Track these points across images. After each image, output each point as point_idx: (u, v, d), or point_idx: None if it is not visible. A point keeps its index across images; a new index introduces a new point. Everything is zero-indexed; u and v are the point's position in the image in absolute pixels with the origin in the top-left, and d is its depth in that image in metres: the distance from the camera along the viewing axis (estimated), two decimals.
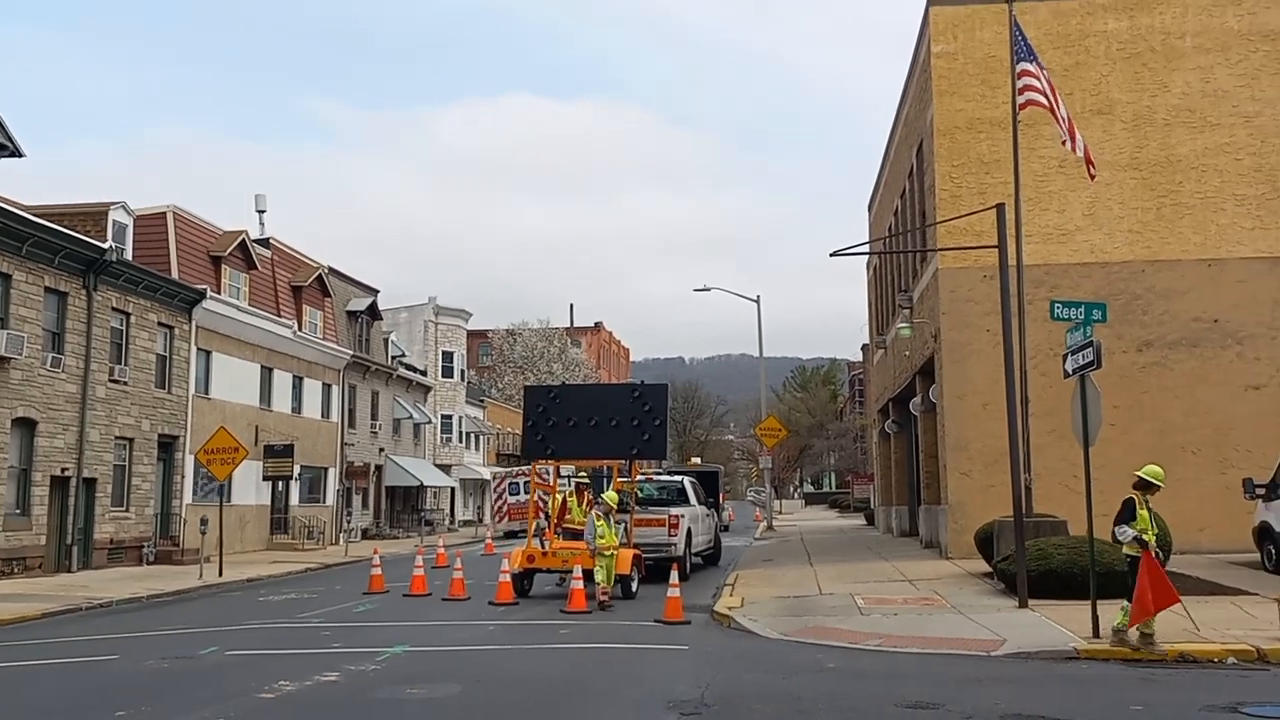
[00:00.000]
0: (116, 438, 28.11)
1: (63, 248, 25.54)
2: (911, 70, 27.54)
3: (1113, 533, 11.74)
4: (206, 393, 32.61)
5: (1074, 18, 23.79)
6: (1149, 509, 11.63)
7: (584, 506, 20.04)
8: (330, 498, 41.22)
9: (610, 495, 18.43)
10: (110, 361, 27.81)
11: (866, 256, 39.44)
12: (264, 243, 38.44)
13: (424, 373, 53.59)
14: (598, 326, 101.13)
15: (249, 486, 34.08)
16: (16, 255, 24.31)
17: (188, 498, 31.19)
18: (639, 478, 22.78)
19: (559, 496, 20.75)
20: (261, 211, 42.47)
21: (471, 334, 65.44)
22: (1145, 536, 11.35)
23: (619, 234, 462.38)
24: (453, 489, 56.84)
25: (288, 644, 13.59)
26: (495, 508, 46.20)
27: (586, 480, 23.01)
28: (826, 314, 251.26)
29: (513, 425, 62.36)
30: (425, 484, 50.43)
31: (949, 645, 12.18)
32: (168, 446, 30.70)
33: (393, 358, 49.89)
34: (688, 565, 21.82)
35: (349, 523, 41.49)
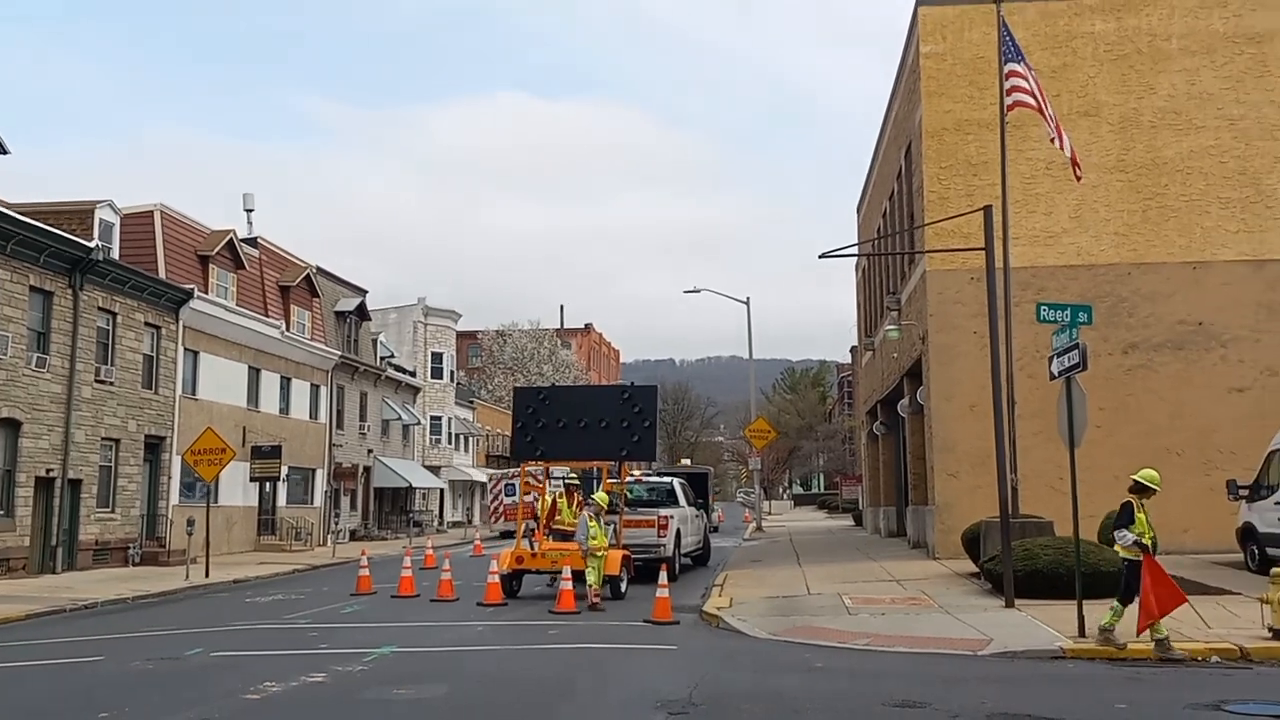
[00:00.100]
0: (102, 438, 27.96)
1: (48, 246, 25.40)
2: (900, 71, 27.63)
3: (1111, 536, 11.78)
4: (194, 393, 32.47)
5: (1062, 19, 23.92)
6: (1145, 512, 11.67)
7: (574, 508, 20.06)
8: (318, 499, 41.09)
9: (600, 496, 18.45)
10: (96, 361, 27.66)
11: (855, 259, 39.56)
12: (252, 242, 38.29)
13: (413, 374, 53.48)
14: (588, 328, 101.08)
15: (236, 487, 33.95)
16: (1, 254, 24.17)
17: (174, 499, 31.03)
18: (628, 479, 22.80)
19: (548, 498, 20.75)
20: (250, 211, 42.32)
21: (461, 335, 65.32)
22: (1144, 540, 11.38)
23: (610, 235, 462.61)
24: (442, 490, 56.73)
25: (274, 645, 13.55)
26: (491, 508, 46.21)
27: (576, 481, 23.02)
28: (816, 316, 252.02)
29: (502, 427, 62.32)
30: (414, 485, 50.33)
31: (936, 645, 12.24)
32: (154, 447, 30.55)
33: (381, 358, 49.78)
34: (677, 566, 21.85)
35: (337, 524, 41.37)
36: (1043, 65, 22.35)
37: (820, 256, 19.42)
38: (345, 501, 44.65)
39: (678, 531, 22.19)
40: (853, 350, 58.35)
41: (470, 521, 59.74)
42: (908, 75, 26.32)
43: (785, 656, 11.96)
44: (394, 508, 50.45)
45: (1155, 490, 11.71)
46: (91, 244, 27.01)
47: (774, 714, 8.95)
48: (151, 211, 32.15)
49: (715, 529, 38.79)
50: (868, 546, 29.20)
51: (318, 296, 41.96)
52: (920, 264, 24.43)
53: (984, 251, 16.67)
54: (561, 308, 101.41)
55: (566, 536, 19.26)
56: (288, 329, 38.43)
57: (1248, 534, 18.25)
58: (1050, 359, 13.65)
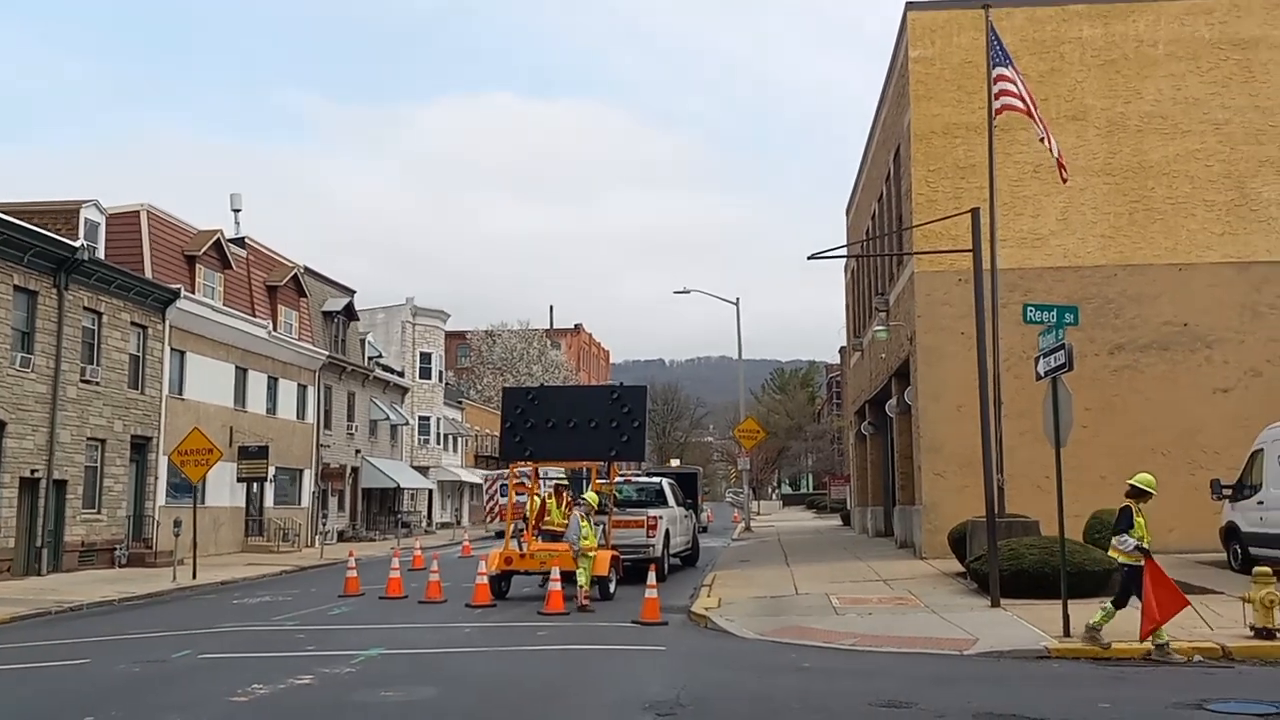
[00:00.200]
0: (88, 439, 27.82)
1: (33, 246, 25.26)
2: (889, 75, 27.73)
3: (1096, 537, 11.82)
4: (180, 393, 32.34)
5: (1050, 24, 24.04)
6: (1144, 516, 11.71)
7: (563, 508, 20.05)
8: (306, 499, 40.97)
9: (591, 495, 18.48)
10: (82, 361, 27.53)
11: (844, 260, 39.66)
12: (239, 242, 38.16)
13: (401, 374, 53.37)
14: (577, 328, 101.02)
15: (223, 488, 33.84)
16: None
17: (161, 499, 30.90)
18: (618, 479, 22.82)
19: (537, 498, 20.74)
20: (237, 210, 42.21)
21: (450, 335, 65.21)
22: (1144, 544, 11.41)
23: (599, 235, 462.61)
24: (430, 491, 56.62)
25: (261, 647, 13.51)
26: (487, 508, 46.24)
27: (565, 481, 23.03)
28: (805, 317, 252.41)
29: (491, 427, 62.21)
30: (402, 486, 50.22)
31: (923, 644, 12.30)
32: (141, 448, 30.41)
33: (369, 358, 49.66)
34: (666, 566, 21.88)
35: (324, 525, 41.27)
36: (1031, 70, 22.47)
37: (809, 258, 19.47)
38: (333, 502, 44.52)
39: (666, 532, 22.22)
40: (841, 351, 58.49)
41: (459, 522, 59.63)
42: (897, 79, 26.42)
43: (773, 657, 12.00)
44: (382, 508, 50.32)
45: (1152, 494, 11.74)
46: (77, 244, 26.88)
47: (761, 714, 8.98)
48: (138, 211, 32.02)
49: (704, 529, 38.85)
50: (855, 546, 29.29)
51: (305, 296, 41.84)
52: (908, 265, 24.52)
53: (971, 253, 16.74)
54: (551, 308, 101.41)
55: (556, 537, 19.26)
56: (275, 329, 38.31)
57: (1231, 533, 18.38)
58: (1036, 360, 13.73)
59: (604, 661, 12.11)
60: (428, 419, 55.56)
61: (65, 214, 28.73)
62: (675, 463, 74.46)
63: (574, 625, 15.03)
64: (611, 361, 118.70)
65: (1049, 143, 18.15)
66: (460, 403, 63.34)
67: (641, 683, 10.43)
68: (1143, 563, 11.26)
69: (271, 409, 38.17)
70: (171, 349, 31.82)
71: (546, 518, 20.00)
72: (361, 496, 47.94)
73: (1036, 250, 23.31)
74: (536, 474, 22.24)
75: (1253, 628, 11.73)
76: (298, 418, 40.44)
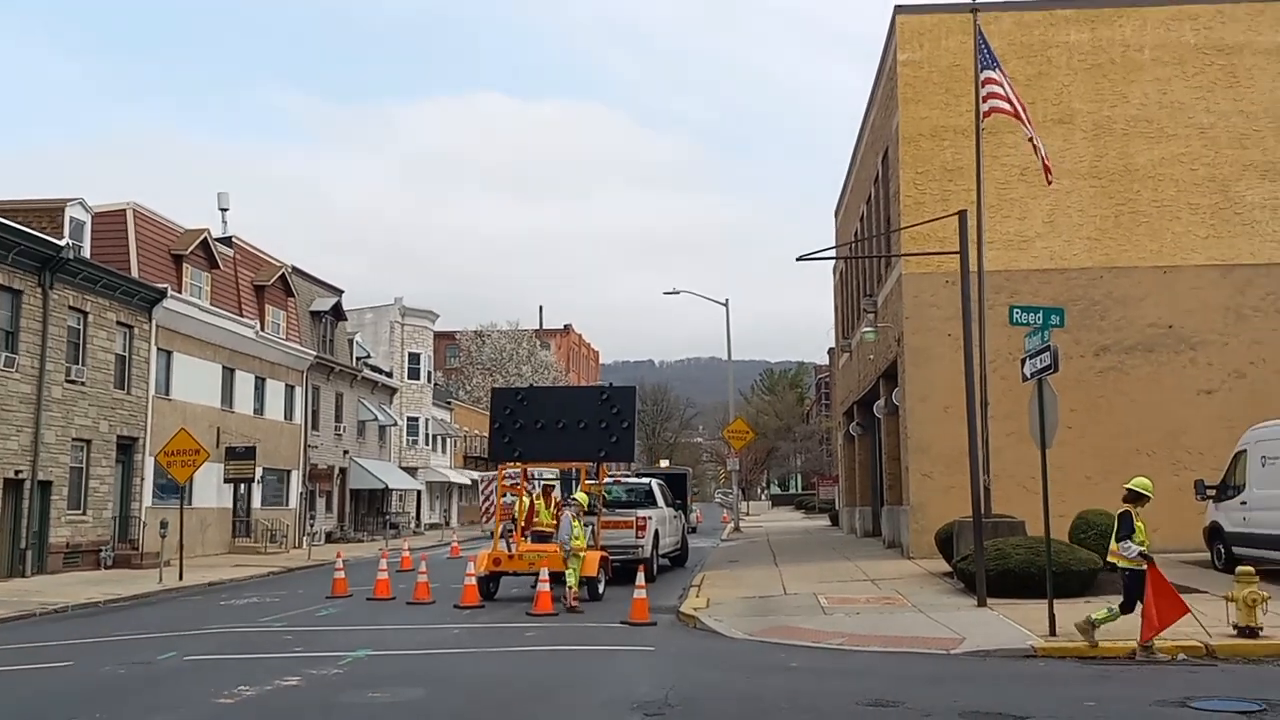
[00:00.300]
0: (73, 439, 27.67)
1: (16, 244, 25.10)
2: (878, 77, 27.84)
3: (1111, 547, 11.71)
4: (167, 393, 32.20)
5: (1037, 28, 24.18)
6: (1142, 520, 11.72)
7: (551, 509, 20.05)
8: (293, 500, 40.84)
9: (581, 495, 18.49)
10: (67, 361, 27.38)
11: (833, 261, 39.78)
12: (226, 241, 38.02)
13: (389, 374, 53.24)
14: (567, 329, 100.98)
15: (210, 489, 33.70)
16: None
17: (147, 500, 30.76)
18: (607, 480, 22.83)
19: (526, 499, 20.74)
20: (224, 209, 42.03)
21: (439, 335, 65.08)
22: (1145, 550, 11.40)
23: (589, 236, 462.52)
24: (419, 492, 56.50)
25: (248, 649, 13.46)
26: (483, 508, 46.23)
27: (553, 482, 23.02)
28: (794, 318, 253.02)
29: (480, 428, 62.13)
30: (390, 487, 50.10)
31: (910, 644, 12.35)
32: (127, 448, 30.26)
33: (358, 359, 49.52)
34: (655, 567, 21.91)
35: (312, 526, 41.14)
36: (1018, 73, 22.59)
37: (798, 259, 19.52)
38: (321, 503, 44.38)
39: (655, 532, 22.24)
40: (830, 352, 58.64)
41: (448, 523, 59.52)
42: (885, 82, 26.52)
43: (761, 657, 12.03)
44: (370, 509, 50.19)
45: (1149, 498, 11.75)
46: (62, 242, 26.73)
47: (749, 714, 9.02)
48: (124, 210, 31.87)
49: (693, 530, 38.91)
50: (843, 546, 29.37)
51: (293, 296, 41.71)
52: (896, 267, 24.62)
53: (959, 255, 16.82)
54: (540, 308, 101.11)
55: (544, 538, 19.26)
56: (262, 329, 38.18)
57: (1214, 533, 18.52)
58: (1023, 361, 13.81)
59: (592, 662, 12.12)
60: (416, 420, 55.45)
61: (50, 212, 28.57)
62: (664, 463, 74.56)
63: (563, 626, 15.03)
64: (601, 362, 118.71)
65: (1036, 144, 18.25)
66: (449, 403, 63.23)
67: (630, 683, 10.45)
68: (1145, 568, 11.25)
69: (259, 409, 38.03)
70: (158, 349, 31.68)
71: (536, 518, 19.99)
72: (349, 497, 47.80)
73: (1023, 252, 23.44)
74: (526, 474, 22.23)
75: (1236, 626, 11.83)
76: (285, 418, 40.31)
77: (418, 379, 55.69)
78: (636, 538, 21.31)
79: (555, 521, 19.30)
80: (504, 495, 21.47)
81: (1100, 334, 23.12)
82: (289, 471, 40.58)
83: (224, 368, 35.59)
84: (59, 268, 26.54)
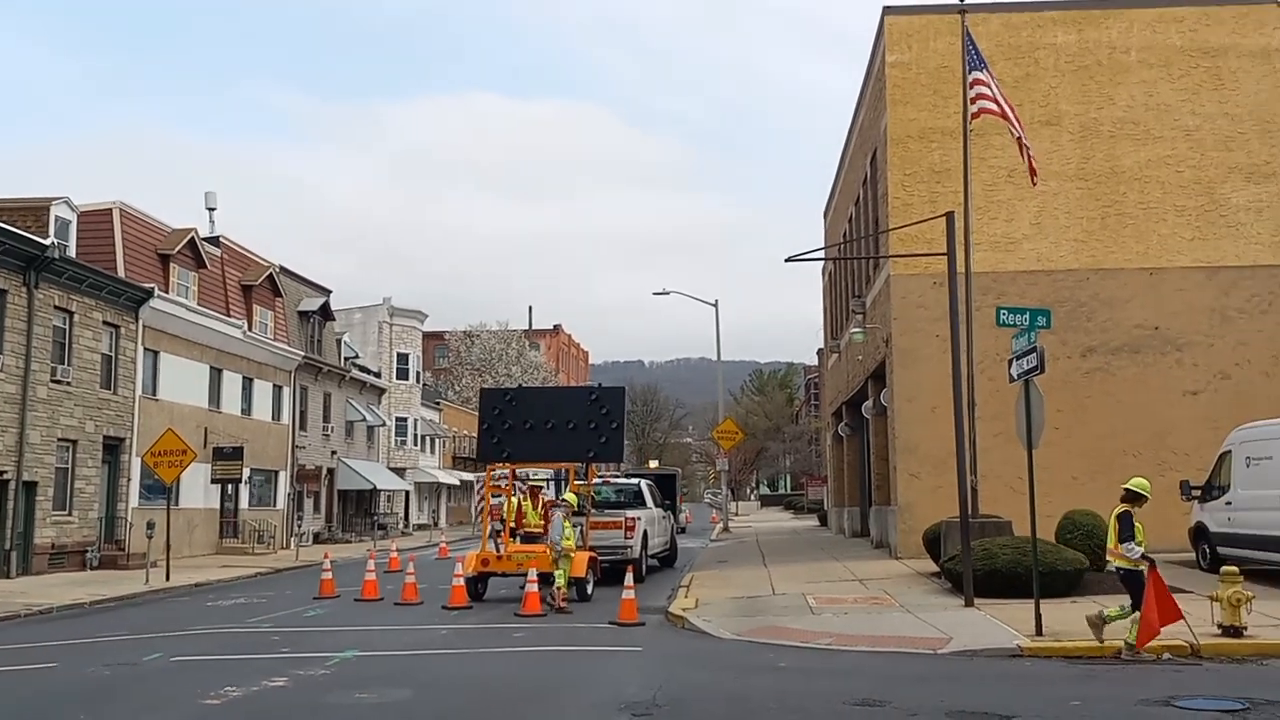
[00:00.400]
0: (59, 439, 27.51)
1: (1, 244, 24.94)
2: (867, 79, 27.91)
3: (1112, 549, 11.66)
4: (154, 394, 32.04)
5: (1024, 30, 24.29)
6: (1140, 521, 11.71)
7: (539, 509, 20.04)
8: (281, 501, 40.69)
9: (570, 496, 18.49)
10: (52, 361, 27.22)
11: (822, 262, 39.87)
12: (214, 241, 37.87)
13: (378, 374, 53.09)
14: (556, 329, 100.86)
15: (197, 489, 33.55)
16: None
17: (134, 501, 30.61)
18: (596, 480, 22.83)
19: (514, 500, 20.73)
20: (212, 209, 41.88)
21: (427, 335, 64.93)
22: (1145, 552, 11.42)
23: (578, 236, 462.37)
24: (407, 493, 56.36)
25: (235, 649, 13.42)
26: (479, 509, 46.13)
27: (541, 483, 23.01)
28: (784, 319, 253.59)
29: (469, 428, 62.03)
30: (379, 487, 49.96)
31: (897, 643, 12.39)
32: (113, 448, 30.11)
33: (346, 359, 49.37)
34: (644, 567, 21.91)
35: (300, 526, 40.98)
36: (1005, 75, 22.67)
37: (787, 260, 19.56)
38: (309, 504, 44.23)
39: (645, 533, 22.25)
40: (819, 353, 58.78)
41: (436, 524, 59.40)
42: (874, 83, 26.60)
43: (749, 657, 12.05)
44: (358, 510, 50.05)
45: (1148, 498, 11.74)
46: (47, 241, 26.56)
47: (737, 714, 9.03)
48: (110, 209, 31.70)
49: (683, 530, 38.92)
50: (832, 546, 29.44)
51: (281, 296, 41.57)
52: (885, 268, 24.70)
53: (946, 257, 16.89)
54: (530, 308, 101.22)
55: (533, 539, 19.25)
56: (250, 329, 38.04)
57: (1200, 533, 18.63)
58: (1009, 362, 13.87)
59: (581, 663, 12.12)
60: (405, 420, 55.32)
61: (35, 211, 28.38)
62: (654, 464, 74.57)
63: (551, 627, 15.02)
64: (591, 362, 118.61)
65: (1024, 143, 18.29)
66: (438, 404, 63.11)
67: (618, 683, 10.46)
68: (1143, 568, 11.26)
69: (246, 410, 37.89)
70: (145, 349, 31.53)
71: (524, 520, 19.98)
72: (337, 498, 47.66)
73: (1010, 254, 23.54)
74: (514, 475, 22.22)
75: (1220, 626, 11.91)
76: (273, 419, 40.16)
77: (406, 379, 55.56)
78: (625, 538, 21.32)
79: (543, 522, 19.30)
80: (493, 496, 21.44)
81: (1087, 335, 23.24)
82: (276, 472, 40.43)
83: (211, 368, 35.44)
84: (44, 267, 26.39)
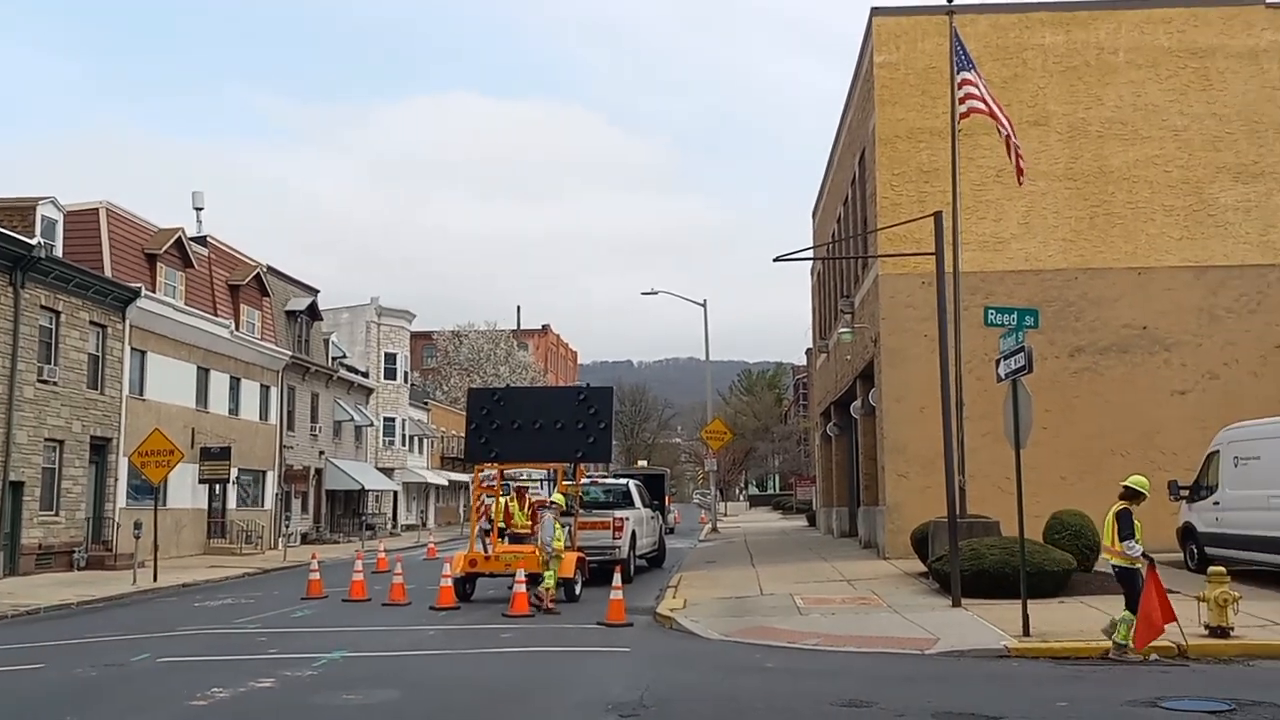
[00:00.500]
0: (45, 439, 27.34)
1: None
2: (855, 79, 27.95)
3: (1109, 546, 11.63)
4: (141, 394, 31.88)
5: (1012, 31, 24.35)
6: (1138, 519, 11.71)
7: (526, 510, 20.01)
8: (269, 501, 40.53)
9: (558, 497, 18.47)
10: (39, 361, 27.05)
11: (811, 262, 39.91)
12: (201, 240, 37.70)
13: (366, 374, 52.92)
14: (545, 329, 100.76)
15: (185, 489, 33.40)
16: None
17: (121, 501, 30.44)
18: (584, 480, 22.80)
19: (502, 500, 20.68)
20: (199, 209, 41.69)
21: (415, 335, 64.75)
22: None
23: (567, 236, 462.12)
24: (395, 493, 56.21)
25: (222, 650, 13.36)
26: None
27: (528, 484, 22.97)
28: (772, 319, 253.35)
29: (458, 428, 61.86)
30: (367, 487, 49.81)
31: (884, 644, 12.40)
32: (100, 449, 29.94)
33: (333, 359, 49.19)
34: (632, 568, 21.90)
35: (288, 527, 40.83)
36: (994, 76, 22.73)
37: (775, 260, 19.56)
38: (296, 504, 44.07)
39: (633, 533, 22.23)
40: (808, 353, 58.83)
41: (424, 524, 59.26)
42: (862, 83, 26.63)
43: (737, 657, 12.05)
44: (346, 510, 49.89)
45: (1146, 496, 11.72)
46: (33, 241, 26.40)
47: (723, 714, 9.02)
48: (97, 209, 31.53)
49: (671, 530, 38.90)
50: (820, 547, 29.46)
51: (268, 296, 41.40)
52: (873, 268, 24.72)
53: (934, 257, 16.91)
54: (518, 308, 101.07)
55: (520, 539, 19.22)
56: (237, 329, 37.88)
57: (1187, 534, 18.70)
58: (997, 362, 13.89)
59: (568, 663, 12.09)
60: (393, 420, 55.15)
61: (21, 211, 28.20)
62: (643, 464, 74.54)
63: (539, 627, 14.99)
64: (579, 362, 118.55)
65: (1013, 142, 18.31)
66: (426, 404, 62.95)
67: (605, 684, 10.44)
68: (1140, 567, 11.26)
69: (234, 410, 37.73)
70: (132, 349, 31.36)
71: (512, 520, 19.94)
72: (325, 498, 47.50)
73: (998, 254, 23.59)
74: (502, 475, 22.16)
75: (1208, 626, 11.94)
76: (261, 419, 40.00)
77: (394, 379, 55.39)
78: (614, 539, 21.29)
79: (530, 523, 19.28)
80: (481, 496, 21.39)
81: (1075, 335, 23.31)
82: (264, 472, 40.27)
83: (199, 368, 35.28)
84: (30, 267, 26.22)
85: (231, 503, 37.28)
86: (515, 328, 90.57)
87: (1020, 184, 20.16)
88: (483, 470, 20.60)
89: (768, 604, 16.25)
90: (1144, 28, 24.17)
